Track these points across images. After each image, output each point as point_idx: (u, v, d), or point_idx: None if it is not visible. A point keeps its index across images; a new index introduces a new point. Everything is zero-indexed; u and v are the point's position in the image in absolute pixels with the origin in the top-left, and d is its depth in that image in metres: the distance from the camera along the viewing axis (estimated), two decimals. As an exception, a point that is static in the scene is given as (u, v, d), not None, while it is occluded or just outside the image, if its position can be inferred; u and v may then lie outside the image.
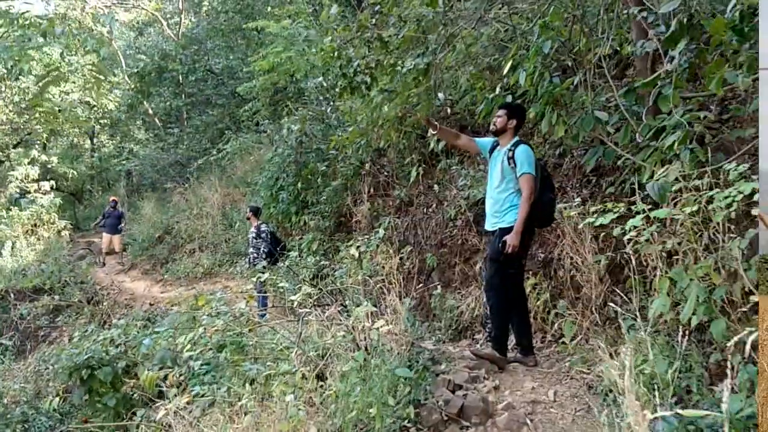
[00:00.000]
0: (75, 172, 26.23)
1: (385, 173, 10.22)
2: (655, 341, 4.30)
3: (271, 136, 13.49)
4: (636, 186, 5.04)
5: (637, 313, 4.24)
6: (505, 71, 6.81)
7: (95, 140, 28.28)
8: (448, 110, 8.94)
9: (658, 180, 4.31)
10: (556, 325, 6.24)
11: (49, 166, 25.09)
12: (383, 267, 7.78)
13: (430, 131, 6.22)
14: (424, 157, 9.30)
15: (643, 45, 5.12)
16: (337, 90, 7.90)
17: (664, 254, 4.69)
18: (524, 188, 5.21)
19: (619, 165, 6.56)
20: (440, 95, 8.74)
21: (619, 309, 4.17)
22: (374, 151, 10.64)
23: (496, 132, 5.56)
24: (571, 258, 6.15)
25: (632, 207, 4.75)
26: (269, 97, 12.22)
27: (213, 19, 19.60)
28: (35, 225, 20.14)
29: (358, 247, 6.02)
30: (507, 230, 5.24)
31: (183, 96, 20.04)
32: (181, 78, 19.54)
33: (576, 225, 6.18)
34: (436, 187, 8.60)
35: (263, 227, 10.90)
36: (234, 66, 17.51)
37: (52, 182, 21.74)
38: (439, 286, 7.81)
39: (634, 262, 4.51)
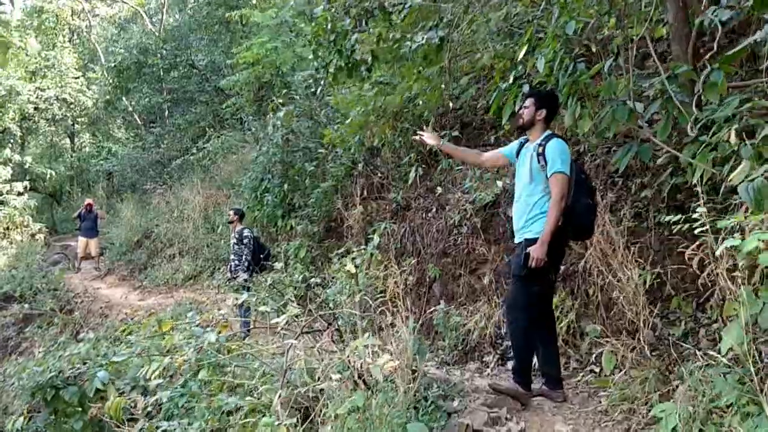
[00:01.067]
0: (53, 173, 25.20)
1: (380, 174, 9.36)
2: (726, 380, 3.46)
3: (255, 134, 12.64)
4: (698, 188, 4.17)
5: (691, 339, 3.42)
6: (520, 56, 5.99)
7: (76, 139, 27.19)
8: (450, 104, 8.10)
9: (754, 180, 3.44)
10: (582, 348, 5.43)
11: (26, 166, 24.11)
12: (381, 281, 6.93)
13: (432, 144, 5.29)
14: (423, 156, 8.45)
15: (715, 13, 4.25)
16: (330, 71, 6.90)
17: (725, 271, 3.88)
18: (554, 190, 4.35)
19: (649, 164, 5.77)
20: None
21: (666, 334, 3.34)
22: (367, 150, 9.78)
23: (522, 126, 4.72)
24: (602, 272, 5.32)
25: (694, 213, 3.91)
26: (254, 92, 11.33)
27: (196, 12, 18.62)
28: (8, 228, 19.13)
29: (353, 259, 5.14)
30: (533, 241, 4.39)
31: (164, 93, 19.03)
32: (162, 74, 18.56)
33: (607, 234, 5.36)
34: (438, 189, 7.74)
35: (246, 232, 9.95)
36: (218, 61, 16.53)
37: (26, 183, 20.72)
38: (442, 300, 6.97)
39: (725, 280, 3.66)
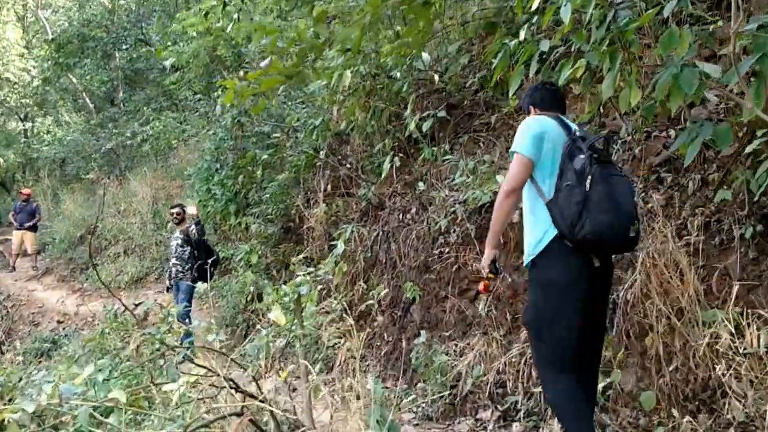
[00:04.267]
0: (1, 160, 23.21)
1: (348, 165, 7.68)
2: None
3: (208, 116, 10.90)
4: None
5: None
6: (534, 4, 4.36)
7: (30, 124, 24.93)
8: (436, 78, 6.44)
9: None
10: (623, 416, 3.82)
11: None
12: (345, 307, 5.27)
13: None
14: (401, 144, 6.80)
15: None
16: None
17: None
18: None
19: (708, 155, 4.20)
20: (425, 56, 6.26)
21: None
22: (333, 136, 8.09)
23: None
24: (658, 308, 3.71)
25: None
26: (203, 67, 9.60)
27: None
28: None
29: (296, 289, 3.46)
30: (535, 263, 3.24)
31: (113, 71, 16.95)
32: (109, 49, 16.50)
33: (663, 253, 3.75)
34: (420, 185, 6.08)
35: (193, 229, 8.24)
36: (175, 35, 14.54)
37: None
38: (422, 330, 5.33)
39: None
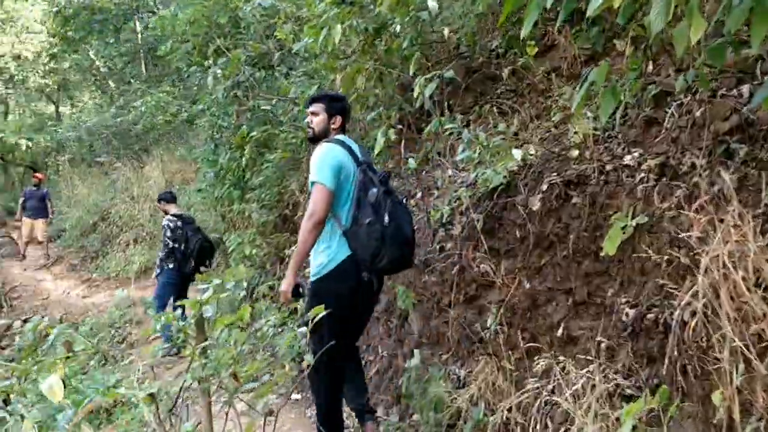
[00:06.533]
0: (29, 144, 22.66)
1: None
2: None
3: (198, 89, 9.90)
4: None
5: None
6: None
7: (52, 106, 24.29)
8: (446, 32, 5.24)
9: None
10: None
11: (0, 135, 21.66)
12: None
13: None
14: (403, 115, 5.62)
15: None
16: None
17: None
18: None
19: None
20: (431, 3, 5.07)
21: None
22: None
23: (313, 138, 3.98)
24: (725, 333, 2.51)
25: None
26: (202, 35, 8.53)
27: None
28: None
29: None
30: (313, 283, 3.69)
31: (123, 45, 15.94)
32: (119, 22, 15.44)
33: (736, 254, 2.56)
34: (411, 162, 4.92)
35: (168, 221, 7.60)
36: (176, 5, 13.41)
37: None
38: (416, 350, 4.20)
39: None
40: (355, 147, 3.84)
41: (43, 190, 14.56)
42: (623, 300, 3.25)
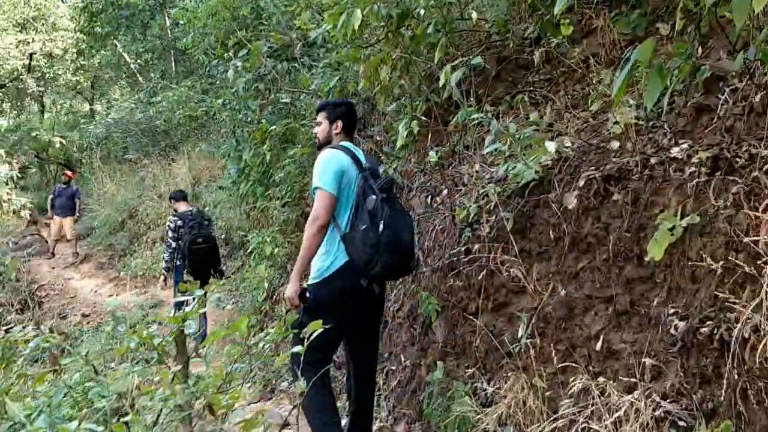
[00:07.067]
0: (62, 141, 22.75)
1: (375, 137, 6.21)
2: None
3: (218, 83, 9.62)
4: None
5: None
6: None
7: (87, 104, 24.37)
8: (474, 16, 4.86)
9: None
10: None
11: (34, 134, 21.76)
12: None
13: None
14: (431, 107, 5.25)
15: None
16: None
17: None
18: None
19: None
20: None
21: None
22: (363, 102, 6.64)
23: (320, 146, 4.00)
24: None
25: None
26: (223, 27, 8.26)
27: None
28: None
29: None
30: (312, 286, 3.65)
31: (150, 41, 15.73)
32: (146, 18, 15.23)
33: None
34: (432, 155, 4.55)
35: (170, 221, 7.65)
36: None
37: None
38: (439, 362, 3.85)
39: None
40: (359, 153, 3.86)
41: (72, 188, 14.50)
42: (671, 311, 2.87)
